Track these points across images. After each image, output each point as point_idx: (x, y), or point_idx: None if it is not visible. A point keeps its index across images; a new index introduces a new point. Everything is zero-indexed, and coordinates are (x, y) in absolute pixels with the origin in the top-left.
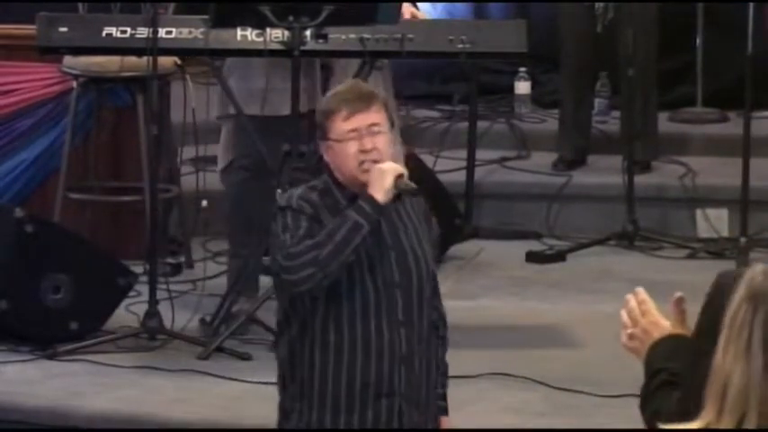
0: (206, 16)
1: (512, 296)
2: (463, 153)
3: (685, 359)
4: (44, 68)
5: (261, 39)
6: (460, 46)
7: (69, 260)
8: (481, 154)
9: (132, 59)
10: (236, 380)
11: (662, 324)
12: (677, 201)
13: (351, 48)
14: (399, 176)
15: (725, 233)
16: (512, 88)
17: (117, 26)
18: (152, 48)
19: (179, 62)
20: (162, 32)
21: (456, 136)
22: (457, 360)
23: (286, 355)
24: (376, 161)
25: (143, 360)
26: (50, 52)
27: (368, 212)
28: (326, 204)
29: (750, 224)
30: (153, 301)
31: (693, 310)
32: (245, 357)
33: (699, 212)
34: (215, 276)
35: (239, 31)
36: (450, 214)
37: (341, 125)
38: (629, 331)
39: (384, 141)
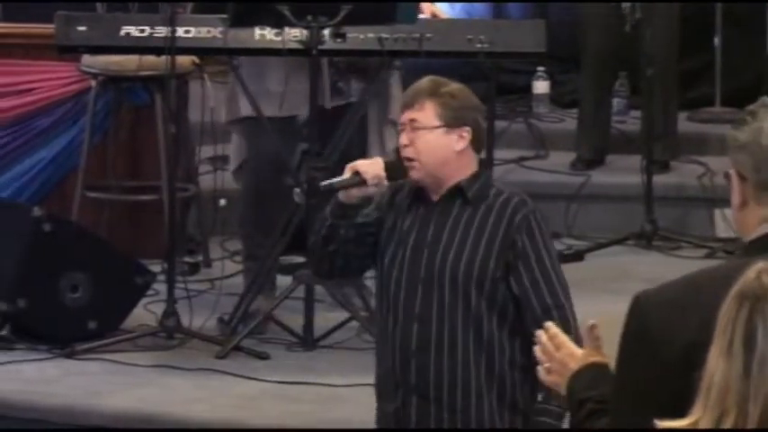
0: (224, 15)
1: None
2: (481, 153)
3: (606, 385)
4: (62, 67)
5: (279, 38)
6: (479, 45)
7: (87, 259)
8: (499, 153)
9: (150, 58)
10: (253, 379)
11: (577, 354)
12: (696, 200)
13: (369, 47)
14: (355, 173)
15: None
16: (530, 88)
17: (135, 25)
18: (170, 47)
19: (197, 61)
20: (180, 31)
21: None
22: None
23: None
24: (409, 158)
25: (161, 359)
26: (69, 51)
27: (333, 208)
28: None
29: None
30: (171, 300)
31: None
32: (262, 356)
33: (717, 212)
34: (233, 275)
35: (257, 31)
36: None
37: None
38: (546, 365)
39: (422, 139)
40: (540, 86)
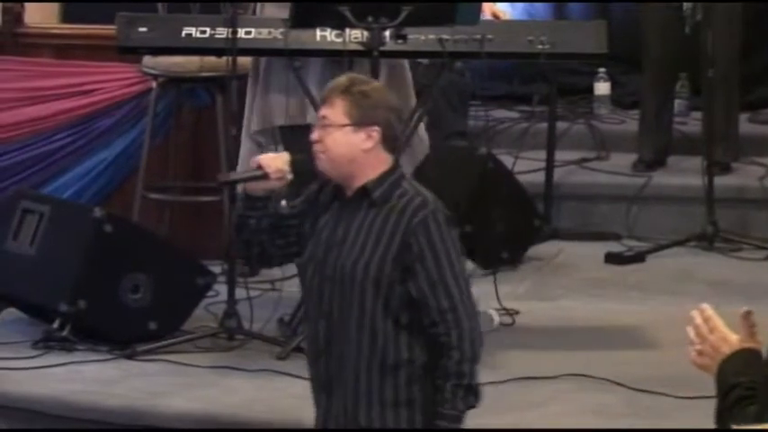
0: (286, 17)
1: (591, 297)
2: (542, 154)
3: (758, 373)
4: (124, 68)
5: (340, 39)
6: (540, 47)
7: (148, 260)
8: (560, 155)
9: (212, 59)
10: None
11: (731, 339)
12: (757, 202)
13: (430, 48)
14: (258, 167)
15: None
16: (591, 89)
17: (196, 26)
18: (231, 48)
19: None
20: (241, 32)
21: (535, 137)
22: (536, 361)
23: None
24: (321, 153)
25: (221, 360)
26: (130, 52)
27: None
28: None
29: None
30: (231, 301)
31: None
32: None
33: None
34: (293, 276)
35: (318, 32)
36: (530, 215)
37: None
38: (697, 347)
39: (330, 136)
40: (602, 88)
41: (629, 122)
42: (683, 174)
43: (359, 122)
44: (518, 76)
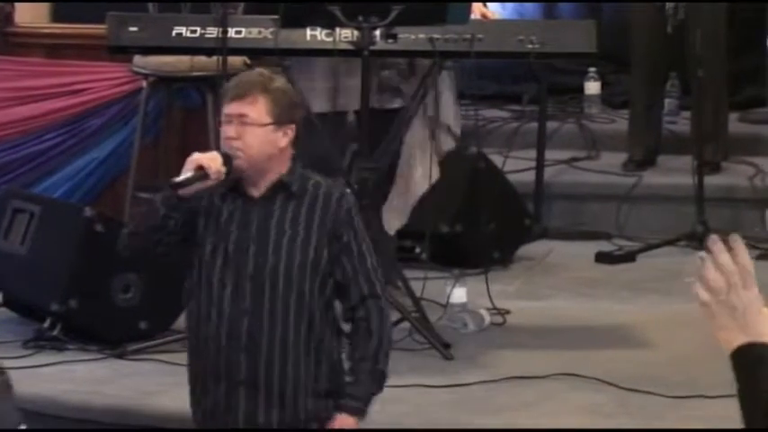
0: (276, 16)
1: (581, 297)
2: (532, 153)
3: None
4: (114, 68)
5: (330, 38)
6: (530, 46)
7: (139, 260)
8: (550, 154)
9: (202, 59)
10: None
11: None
12: (747, 201)
13: (420, 48)
14: (199, 168)
15: None
16: (581, 88)
17: (187, 26)
18: (222, 47)
19: (248, 62)
20: (231, 32)
21: (525, 136)
22: (526, 360)
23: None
24: (239, 150)
25: None
26: (120, 52)
27: (164, 200)
28: None
29: None
30: None
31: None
32: None
33: None
34: None
35: (309, 31)
36: (520, 215)
37: (224, 109)
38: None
39: (251, 134)
40: (592, 87)
41: (620, 122)
42: (673, 173)
43: (279, 121)
44: (508, 75)
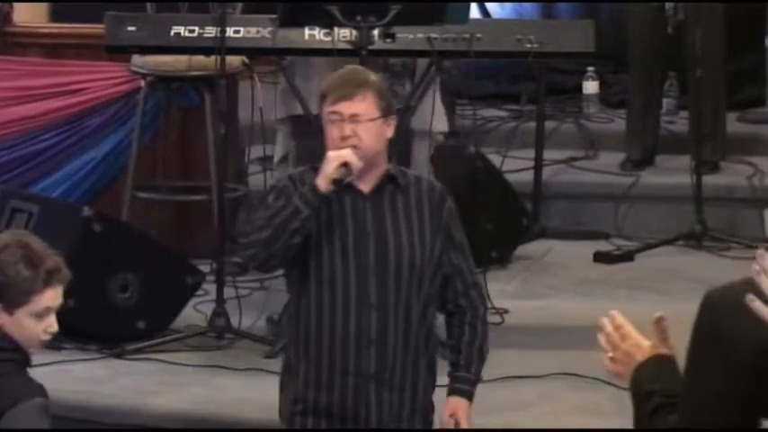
0: (274, 16)
1: (579, 296)
2: (531, 153)
3: (672, 379)
4: (112, 68)
5: (329, 38)
6: (528, 46)
7: (137, 259)
8: (549, 154)
9: (200, 59)
10: None
11: (644, 345)
12: (745, 201)
13: (418, 47)
14: (344, 165)
15: None
16: (580, 88)
17: (185, 25)
18: (220, 47)
19: (247, 61)
20: (230, 32)
21: (524, 136)
22: (525, 360)
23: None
24: (355, 147)
25: (210, 359)
26: (119, 51)
27: (308, 199)
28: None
29: None
30: (220, 300)
31: None
32: None
33: (767, 213)
34: (282, 275)
35: (307, 31)
36: (518, 214)
37: (327, 108)
38: (609, 355)
39: (366, 130)
40: (590, 87)
41: (618, 121)
42: (672, 173)
43: (386, 113)
44: (506, 75)
